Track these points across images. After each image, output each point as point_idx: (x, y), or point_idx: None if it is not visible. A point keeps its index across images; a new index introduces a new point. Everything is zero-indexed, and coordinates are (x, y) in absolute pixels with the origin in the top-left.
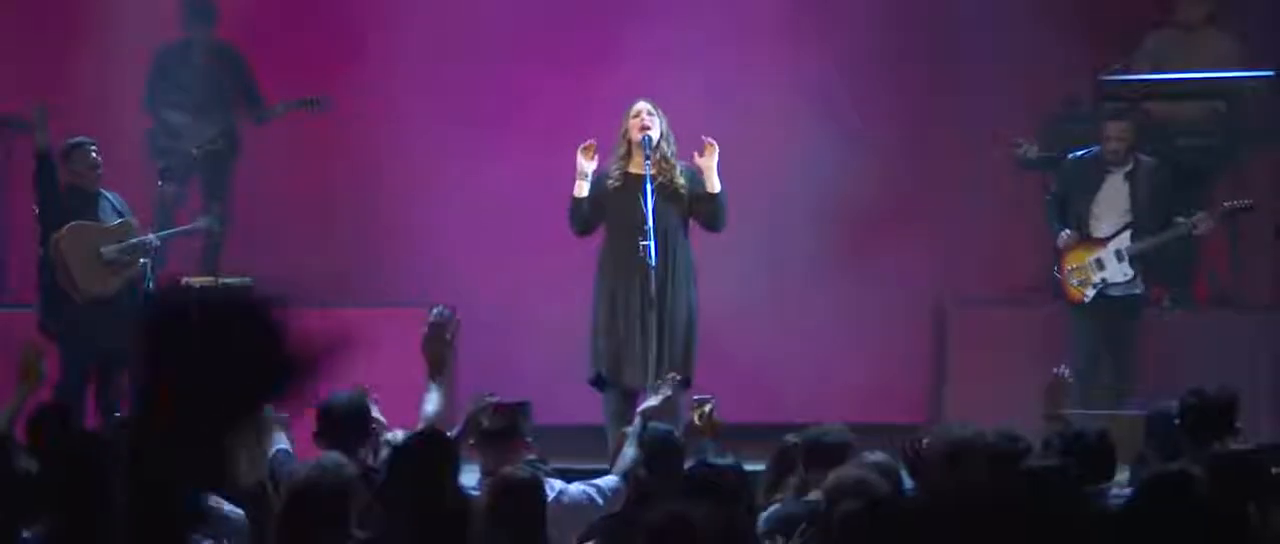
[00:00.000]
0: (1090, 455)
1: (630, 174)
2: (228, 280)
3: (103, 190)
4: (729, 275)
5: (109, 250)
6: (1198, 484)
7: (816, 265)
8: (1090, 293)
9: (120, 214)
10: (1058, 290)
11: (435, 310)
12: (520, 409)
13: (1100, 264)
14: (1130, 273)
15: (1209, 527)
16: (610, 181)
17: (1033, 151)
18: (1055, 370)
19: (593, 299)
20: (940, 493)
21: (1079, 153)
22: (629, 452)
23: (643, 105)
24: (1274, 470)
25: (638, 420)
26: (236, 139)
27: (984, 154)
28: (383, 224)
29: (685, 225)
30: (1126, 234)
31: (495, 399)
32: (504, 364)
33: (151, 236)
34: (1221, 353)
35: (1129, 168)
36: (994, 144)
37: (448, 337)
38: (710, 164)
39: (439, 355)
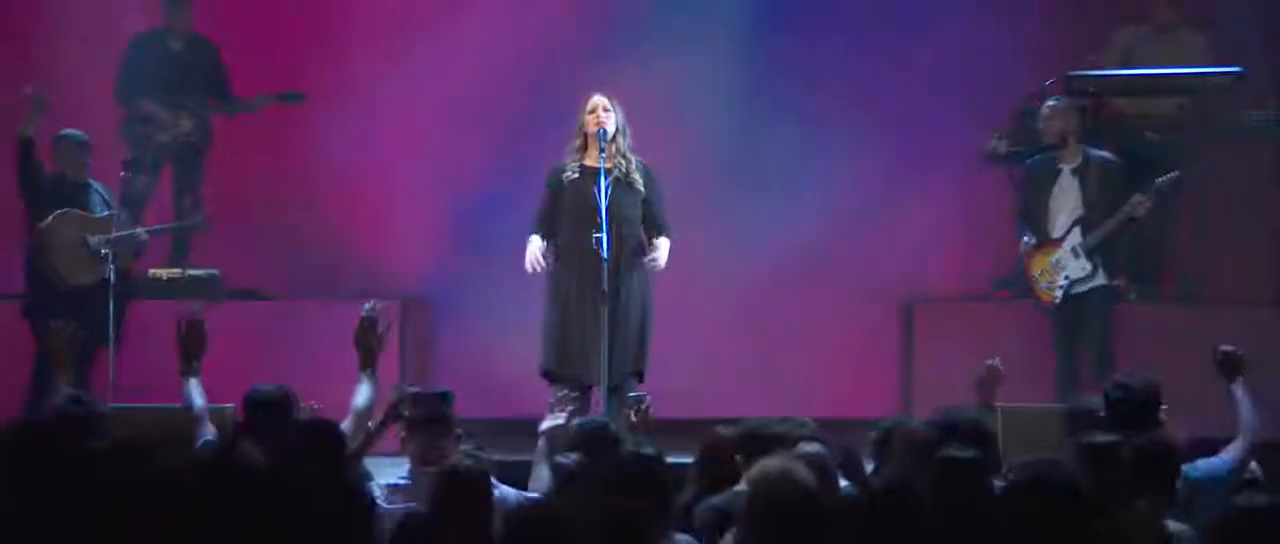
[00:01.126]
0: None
1: (587, 167)
2: (195, 272)
3: (92, 181)
4: (691, 270)
5: (96, 242)
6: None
7: (781, 262)
8: (1059, 294)
9: (109, 206)
10: (1031, 296)
11: (368, 305)
12: (441, 398)
13: (1060, 264)
14: (1088, 267)
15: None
16: (566, 174)
17: (1003, 146)
18: (987, 361)
19: (545, 291)
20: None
21: (1034, 158)
22: (542, 473)
23: (598, 100)
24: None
25: (542, 442)
26: (210, 132)
27: (952, 150)
28: (356, 217)
29: (639, 218)
30: (1077, 230)
31: (416, 388)
32: (483, 360)
33: (141, 231)
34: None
35: (1077, 163)
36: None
37: (380, 331)
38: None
39: (370, 348)
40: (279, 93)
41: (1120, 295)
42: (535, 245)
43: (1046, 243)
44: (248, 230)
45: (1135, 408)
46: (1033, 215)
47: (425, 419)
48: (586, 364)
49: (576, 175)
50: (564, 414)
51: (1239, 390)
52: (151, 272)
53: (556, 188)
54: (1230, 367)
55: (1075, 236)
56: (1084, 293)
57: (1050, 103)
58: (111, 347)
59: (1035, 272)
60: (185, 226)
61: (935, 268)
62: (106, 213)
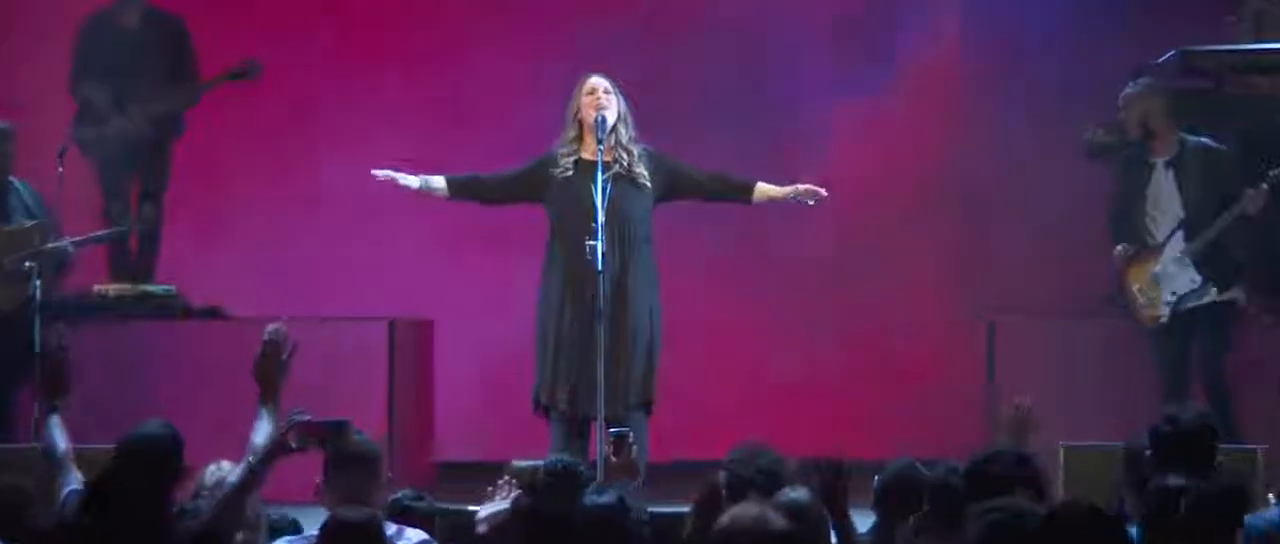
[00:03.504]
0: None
1: (583, 160)
2: (148, 288)
3: (15, 182)
4: (721, 280)
5: (11, 259)
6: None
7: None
8: (1164, 313)
9: (31, 213)
10: (1129, 312)
11: (270, 328)
12: (336, 428)
13: (1163, 277)
14: (1197, 278)
15: None
16: (558, 169)
17: (1099, 134)
18: (1016, 400)
19: (536, 308)
20: None
21: (1128, 151)
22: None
23: (597, 81)
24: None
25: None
26: (174, 125)
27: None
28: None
29: (648, 220)
30: (1180, 235)
31: (306, 417)
32: (487, 392)
33: (65, 243)
34: None
35: (1172, 155)
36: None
37: (283, 358)
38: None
39: (271, 378)
40: (228, 70)
41: (1238, 312)
42: (422, 178)
43: (1146, 252)
44: (217, 242)
45: (1185, 446)
46: (1127, 219)
47: (341, 459)
48: (582, 394)
49: (570, 172)
50: (508, 501)
51: None
52: (97, 288)
53: (540, 177)
54: None
55: (1178, 243)
56: (1193, 309)
57: (1127, 89)
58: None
59: (1134, 286)
60: (114, 234)
61: (1023, 280)
62: (27, 222)
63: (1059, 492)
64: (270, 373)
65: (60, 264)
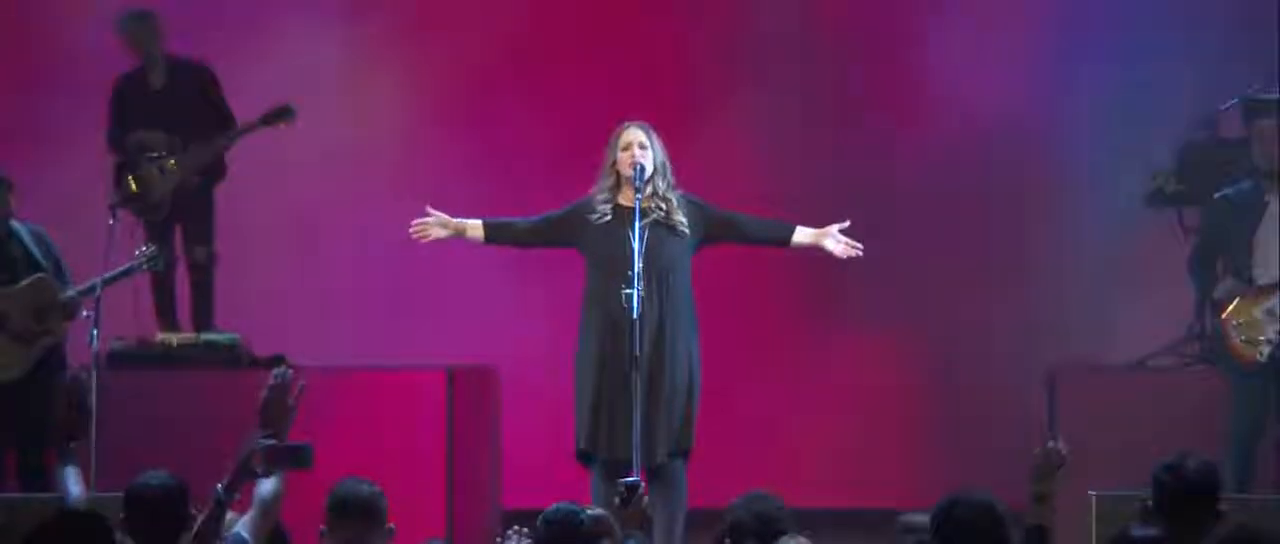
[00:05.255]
0: None
1: (620, 206)
2: (215, 338)
3: (16, 226)
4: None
5: (15, 323)
6: None
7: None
8: (1265, 351)
9: (34, 262)
10: (1217, 353)
11: (277, 371)
12: (298, 452)
13: (1271, 315)
14: None
15: None
16: (595, 216)
17: (1171, 183)
18: (1048, 442)
19: (575, 356)
20: None
21: (1229, 189)
22: None
23: (634, 134)
24: None
25: None
26: (220, 169)
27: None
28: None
29: (687, 267)
30: None
31: (270, 441)
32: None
33: (73, 291)
34: None
35: None
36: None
37: (290, 402)
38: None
39: (279, 420)
40: (274, 111)
41: None
42: (456, 224)
43: (1254, 288)
44: (273, 288)
45: (1187, 497)
46: (1231, 256)
47: (343, 506)
48: (622, 443)
49: (608, 218)
50: None
51: None
52: (160, 337)
53: (577, 222)
54: None
55: None
56: None
57: (1261, 121)
58: (93, 434)
59: (1235, 320)
60: (139, 265)
61: (1084, 330)
62: (29, 277)
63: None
64: (278, 415)
65: (68, 314)
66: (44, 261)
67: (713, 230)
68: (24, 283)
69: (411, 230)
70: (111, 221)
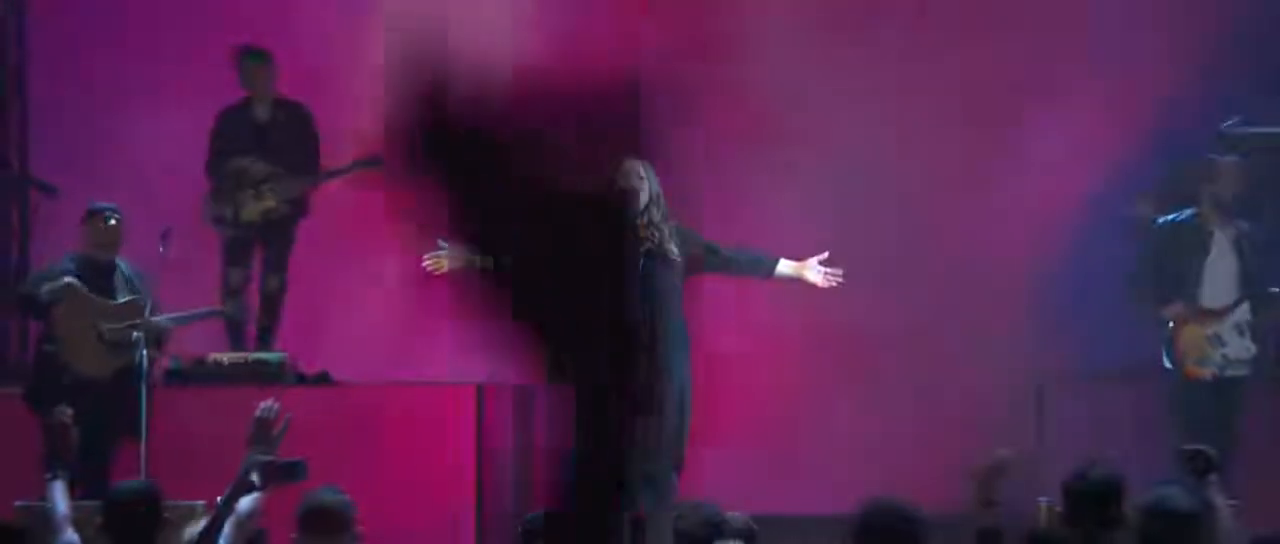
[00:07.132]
0: None
1: None
2: (265, 357)
3: (119, 261)
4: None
5: (111, 330)
6: None
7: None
8: (1209, 371)
9: (134, 289)
10: (1171, 364)
11: (264, 404)
12: (292, 468)
13: (1220, 339)
14: (1253, 349)
15: None
16: None
17: (1148, 207)
18: (999, 451)
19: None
20: None
21: (1172, 216)
22: None
23: (630, 167)
24: None
25: None
26: (304, 204)
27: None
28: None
29: (680, 293)
30: (1245, 306)
31: (267, 457)
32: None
33: (163, 319)
34: None
35: (1231, 229)
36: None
37: (274, 434)
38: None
39: (267, 447)
40: (361, 159)
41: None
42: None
43: (1202, 311)
44: (318, 307)
45: (1092, 502)
46: (1180, 279)
47: (312, 516)
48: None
49: None
50: None
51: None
52: (212, 357)
53: None
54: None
55: (1243, 313)
56: (1236, 378)
57: (1227, 157)
58: (143, 442)
59: (1184, 341)
60: (210, 314)
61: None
62: (128, 298)
63: None
64: (264, 440)
65: (159, 339)
66: (141, 293)
67: (700, 258)
68: (122, 301)
69: (425, 264)
70: (161, 250)
